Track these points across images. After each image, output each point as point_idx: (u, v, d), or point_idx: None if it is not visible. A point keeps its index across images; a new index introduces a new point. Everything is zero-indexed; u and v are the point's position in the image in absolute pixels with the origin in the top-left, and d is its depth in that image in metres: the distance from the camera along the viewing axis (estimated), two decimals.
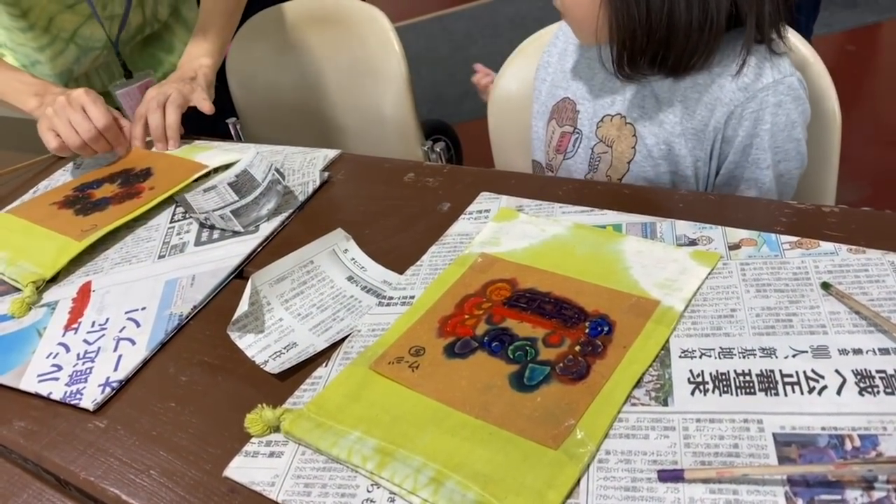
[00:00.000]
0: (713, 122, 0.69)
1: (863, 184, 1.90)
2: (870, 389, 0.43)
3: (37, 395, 0.59)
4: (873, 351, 0.45)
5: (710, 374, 0.47)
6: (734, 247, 0.56)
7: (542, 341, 0.52)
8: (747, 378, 0.46)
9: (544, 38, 0.92)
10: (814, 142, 0.83)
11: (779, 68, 0.67)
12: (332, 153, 0.84)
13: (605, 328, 0.51)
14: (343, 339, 0.57)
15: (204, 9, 1.07)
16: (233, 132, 1.41)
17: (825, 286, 0.50)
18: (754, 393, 0.45)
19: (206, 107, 0.92)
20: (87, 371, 0.59)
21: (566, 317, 0.53)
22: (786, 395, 0.44)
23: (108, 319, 0.65)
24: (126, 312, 0.65)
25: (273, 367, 0.55)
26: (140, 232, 0.78)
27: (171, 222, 0.79)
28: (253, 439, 0.50)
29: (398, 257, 0.65)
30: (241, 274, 0.69)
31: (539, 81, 0.87)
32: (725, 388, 0.45)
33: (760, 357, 0.47)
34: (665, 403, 0.45)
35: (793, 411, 0.43)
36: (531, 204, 0.67)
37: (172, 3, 1.19)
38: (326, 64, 1.28)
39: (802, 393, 0.44)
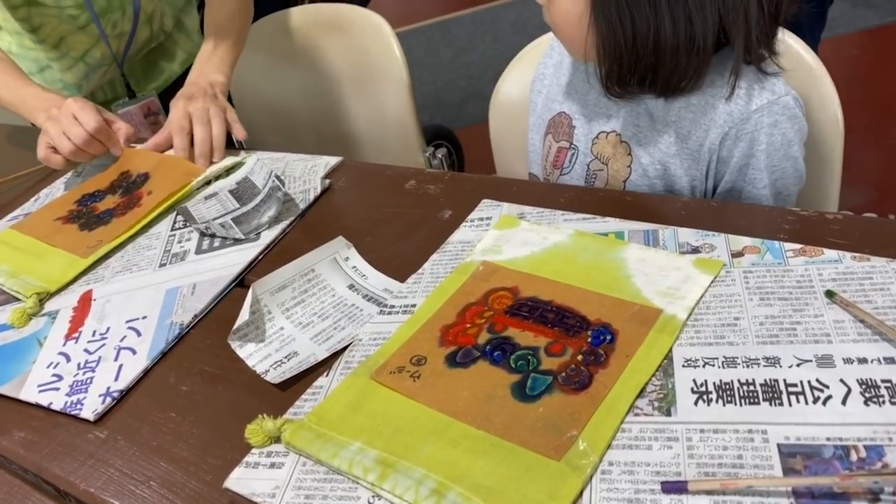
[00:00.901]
0: (708, 143, 0.68)
1: (867, 189, 1.89)
2: (875, 399, 0.43)
3: (37, 406, 0.58)
4: (878, 360, 0.45)
5: (714, 383, 0.46)
6: (737, 254, 0.56)
7: (544, 350, 0.51)
8: (751, 388, 0.45)
9: (545, 44, 0.92)
10: (816, 148, 0.83)
11: (772, 89, 0.67)
12: (333, 160, 0.84)
13: (608, 337, 0.51)
14: (344, 349, 0.57)
15: (213, 24, 1.06)
16: (234, 139, 1.41)
17: (829, 294, 0.50)
18: (758, 403, 0.44)
19: (241, 133, 0.92)
20: (88, 381, 0.59)
21: (568, 325, 0.53)
22: (790, 404, 0.44)
23: (108, 328, 0.65)
24: (127, 321, 0.65)
25: (274, 376, 0.55)
26: (141, 240, 0.78)
27: (171, 230, 0.78)
28: (254, 450, 0.50)
29: (399, 265, 0.65)
30: (241, 282, 0.69)
31: (535, 94, 0.86)
32: (729, 398, 0.45)
33: (764, 366, 0.47)
34: (668, 413, 0.45)
35: (797, 421, 0.43)
36: (533, 211, 0.66)
37: (175, 14, 1.19)
38: (328, 70, 1.28)
39: (807, 403, 0.44)
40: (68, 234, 0.81)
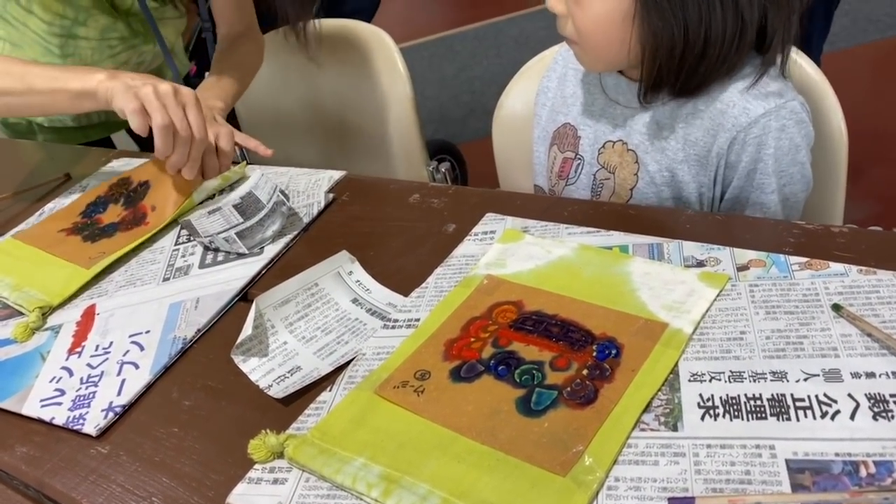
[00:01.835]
0: (716, 148, 0.69)
1: (871, 202, 1.89)
2: (884, 414, 0.42)
3: (39, 421, 0.58)
4: (887, 374, 0.45)
5: (721, 398, 0.46)
6: (743, 268, 0.56)
7: (549, 365, 0.51)
8: (758, 402, 0.45)
9: (548, 59, 0.93)
10: (820, 161, 0.83)
11: (780, 93, 0.67)
12: (337, 174, 0.84)
13: (613, 351, 0.51)
14: (348, 363, 0.57)
15: (223, 59, 1.08)
16: (238, 152, 1.41)
17: (836, 308, 0.50)
18: (766, 418, 0.44)
19: (266, 151, 0.89)
20: (91, 395, 0.59)
21: (573, 340, 0.53)
22: (798, 419, 0.43)
23: (111, 343, 0.65)
24: (130, 336, 0.65)
25: (277, 391, 0.55)
26: (145, 255, 0.78)
27: (175, 245, 0.78)
28: (256, 465, 0.49)
29: (403, 279, 0.64)
30: (245, 297, 0.69)
31: (539, 107, 0.86)
32: (736, 413, 0.45)
33: (771, 381, 0.46)
34: (675, 429, 0.45)
35: (805, 437, 0.42)
36: (537, 225, 0.66)
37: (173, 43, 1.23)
38: (332, 84, 1.29)
39: (815, 418, 0.43)
40: (71, 244, 0.81)
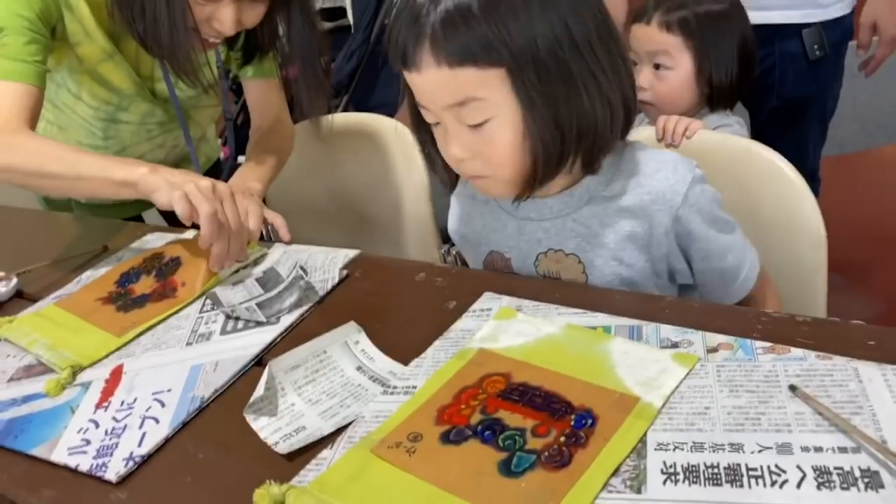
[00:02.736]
0: (660, 230, 0.75)
1: (881, 300, 1.92)
2: (827, 484, 0.47)
3: (65, 467, 0.63)
4: (833, 449, 0.49)
5: (682, 465, 0.50)
6: (712, 350, 0.61)
7: (531, 431, 0.56)
8: (715, 470, 0.49)
9: None
10: (800, 264, 0.89)
11: (679, 165, 0.75)
12: (352, 253, 0.91)
13: (589, 421, 0.56)
14: (349, 424, 0.62)
15: (259, 147, 1.18)
16: (264, 232, 1.50)
17: (792, 388, 0.55)
18: (721, 484, 0.48)
19: (286, 236, 0.98)
20: (114, 446, 0.64)
21: (554, 409, 0.58)
22: (750, 487, 0.48)
23: (136, 399, 0.70)
24: (153, 393, 0.71)
25: (283, 447, 0.60)
26: (171, 321, 0.84)
27: (199, 313, 0.85)
28: None
29: (405, 350, 0.70)
30: (260, 361, 0.74)
31: (462, 251, 0.92)
32: (695, 479, 0.49)
33: (729, 451, 0.51)
34: (639, 491, 0.49)
35: (755, 502, 0.47)
36: (530, 305, 0.72)
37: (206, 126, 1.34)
38: (353, 173, 1.38)
39: (765, 486, 0.48)
40: (106, 313, 0.88)
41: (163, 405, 0.69)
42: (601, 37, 0.68)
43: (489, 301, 0.74)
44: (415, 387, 0.64)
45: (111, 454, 0.63)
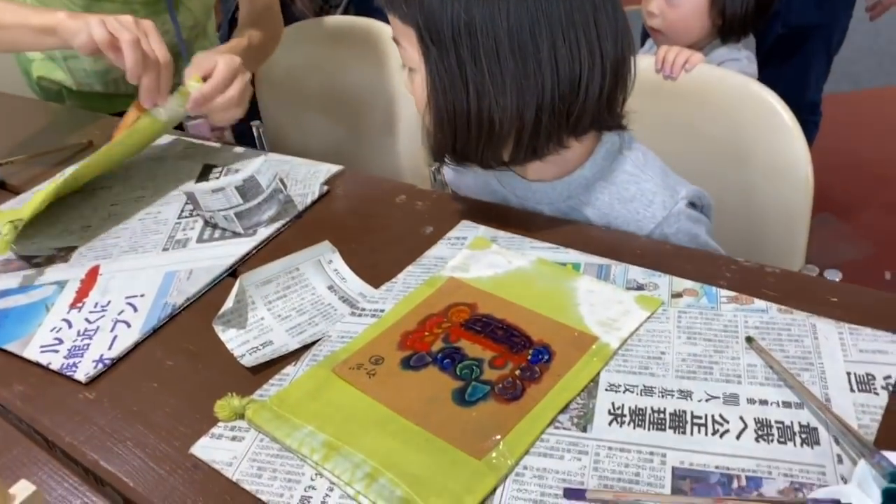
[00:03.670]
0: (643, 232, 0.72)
1: (867, 243, 1.93)
2: (766, 437, 0.48)
3: (37, 364, 0.65)
4: (777, 403, 0.50)
5: (630, 408, 0.52)
6: (677, 295, 0.61)
7: (488, 363, 0.57)
8: (661, 415, 0.51)
9: None
10: (785, 207, 0.88)
11: (662, 202, 0.71)
12: (334, 168, 0.91)
13: (546, 356, 0.57)
14: (314, 342, 0.63)
15: (243, 29, 1.13)
16: (255, 134, 1.49)
17: (749, 340, 0.55)
18: (665, 429, 0.50)
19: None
20: (85, 347, 0.66)
21: (514, 343, 0.58)
22: (692, 434, 0.49)
23: (109, 302, 0.71)
24: (126, 297, 0.72)
25: (248, 360, 0.61)
26: (149, 224, 0.85)
27: (178, 218, 0.85)
28: (220, 423, 0.56)
29: (377, 273, 0.71)
30: (233, 273, 0.75)
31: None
32: (640, 422, 0.50)
33: (678, 398, 0.52)
34: (584, 430, 0.51)
35: (694, 449, 0.48)
36: (505, 236, 0.72)
37: (203, 21, 1.28)
38: (348, 78, 1.35)
39: (706, 434, 0.49)
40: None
41: (135, 310, 0.70)
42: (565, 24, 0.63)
43: (465, 229, 0.74)
44: (382, 310, 0.65)
45: (82, 355, 0.65)
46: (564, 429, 0.51)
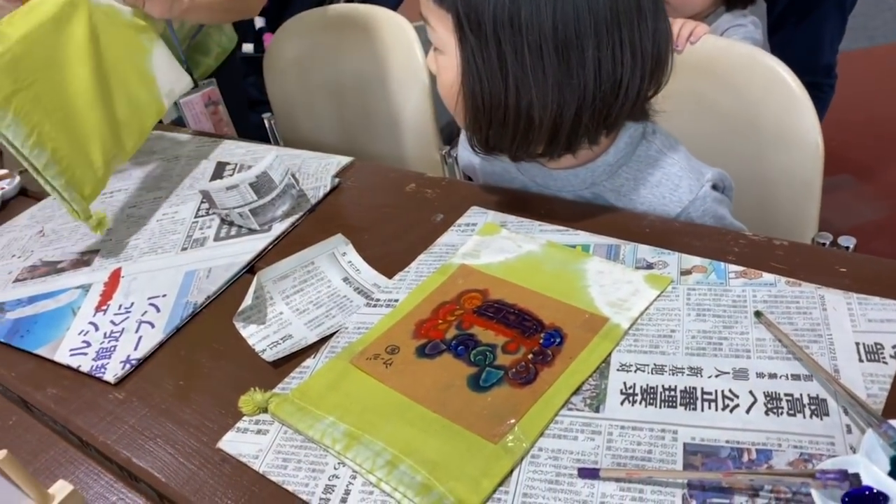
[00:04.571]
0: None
1: (885, 203, 1.90)
2: (775, 410, 0.49)
3: (68, 367, 0.67)
4: (787, 376, 0.51)
5: (641, 387, 0.53)
6: (686, 272, 0.62)
7: (501, 348, 0.58)
8: (672, 393, 0.52)
9: None
10: (796, 175, 0.88)
11: (688, 186, 0.71)
12: (344, 160, 0.92)
13: (558, 339, 0.58)
14: (332, 335, 0.65)
15: None
16: (267, 126, 1.50)
17: (757, 314, 0.56)
18: (675, 406, 0.51)
19: None
20: (112, 348, 0.68)
21: (526, 327, 0.60)
22: (702, 410, 0.50)
23: (132, 304, 0.74)
24: (149, 298, 0.74)
25: (269, 355, 0.63)
26: (167, 224, 0.87)
27: (195, 217, 0.87)
28: (245, 417, 0.58)
29: (390, 262, 0.72)
30: (251, 269, 0.77)
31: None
32: (651, 401, 0.52)
33: (688, 375, 0.53)
34: (597, 410, 0.52)
35: (705, 425, 0.49)
36: (514, 221, 0.73)
37: None
38: (354, 67, 1.35)
39: (717, 409, 0.50)
40: None
41: (158, 310, 0.72)
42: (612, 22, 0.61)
43: (475, 215, 0.75)
44: (396, 300, 0.66)
45: (109, 357, 0.67)
46: (578, 410, 0.52)
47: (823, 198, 0.90)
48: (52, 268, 0.83)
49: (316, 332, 0.66)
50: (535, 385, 0.54)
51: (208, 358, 0.66)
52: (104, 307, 0.74)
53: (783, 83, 0.86)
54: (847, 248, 0.81)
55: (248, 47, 2.33)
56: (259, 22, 2.50)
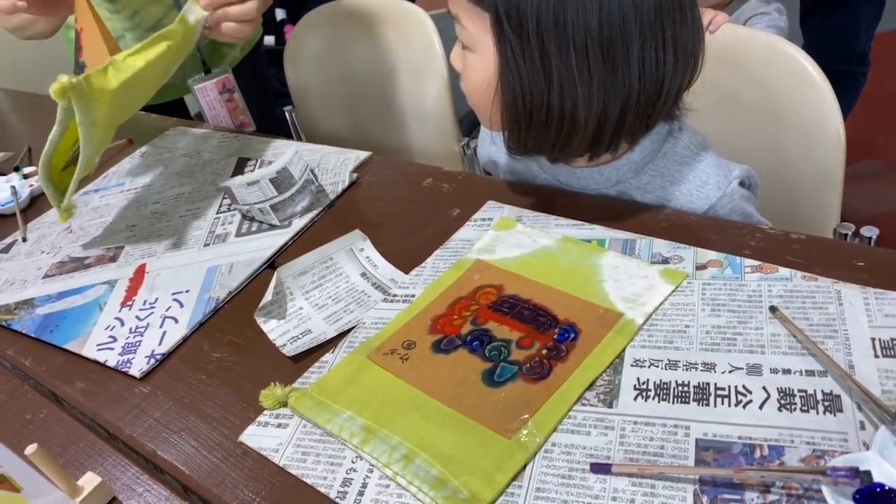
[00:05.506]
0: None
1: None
2: (788, 406, 0.49)
3: (95, 362, 0.69)
4: (801, 372, 0.51)
5: (654, 382, 0.53)
6: (701, 267, 0.62)
7: (516, 343, 0.59)
8: (685, 388, 0.52)
9: None
10: (818, 166, 0.87)
11: (716, 183, 0.70)
12: (363, 155, 0.93)
13: (572, 335, 0.58)
14: (350, 330, 0.66)
15: None
16: (288, 119, 1.52)
17: (772, 309, 0.56)
18: (688, 402, 0.51)
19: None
20: (137, 343, 0.70)
21: (540, 322, 0.60)
22: (715, 406, 0.50)
23: (157, 299, 0.75)
24: (172, 294, 0.76)
25: (289, 350, 0.64)
26: (190, 220, 0.88)
27: (217, 213, 0.89)
28: (265, 411, 0.59)
29: (407, 258, 0.73)
30: (272, 265, 0.78)
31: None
32: (664, 396, 0.52)
33: (701, 371, 0.53)
34: (610, 406, 0.52)
35: (718, 421, 0.49)
36: (530, 215, 0.73)
37: None
38: (373, 59, 1.36)
39: (730, 405, 0.50)
40: None
41: (181, 305, 0.74)
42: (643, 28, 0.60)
43: (491, 210, 0.76)
44: (413, 295, 0.67)
45: (135, 351, 0.69)
46: (591, 405, 0.53)
47: (849, 185, 0.89)
48: (80, 264, 0.85)
49: (335, 327, 0.67)
50: (549, 380, 0.55)
51: (230, 353, 0.67)
52: (129, 302, 0.76)
53: (804, 72, 0.85)
54: (869, 238, 0.80)
55: (269, 40, 2.34)
56: (280, 14, 2.51)
